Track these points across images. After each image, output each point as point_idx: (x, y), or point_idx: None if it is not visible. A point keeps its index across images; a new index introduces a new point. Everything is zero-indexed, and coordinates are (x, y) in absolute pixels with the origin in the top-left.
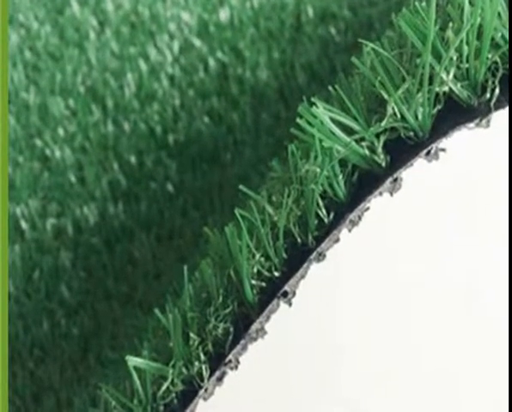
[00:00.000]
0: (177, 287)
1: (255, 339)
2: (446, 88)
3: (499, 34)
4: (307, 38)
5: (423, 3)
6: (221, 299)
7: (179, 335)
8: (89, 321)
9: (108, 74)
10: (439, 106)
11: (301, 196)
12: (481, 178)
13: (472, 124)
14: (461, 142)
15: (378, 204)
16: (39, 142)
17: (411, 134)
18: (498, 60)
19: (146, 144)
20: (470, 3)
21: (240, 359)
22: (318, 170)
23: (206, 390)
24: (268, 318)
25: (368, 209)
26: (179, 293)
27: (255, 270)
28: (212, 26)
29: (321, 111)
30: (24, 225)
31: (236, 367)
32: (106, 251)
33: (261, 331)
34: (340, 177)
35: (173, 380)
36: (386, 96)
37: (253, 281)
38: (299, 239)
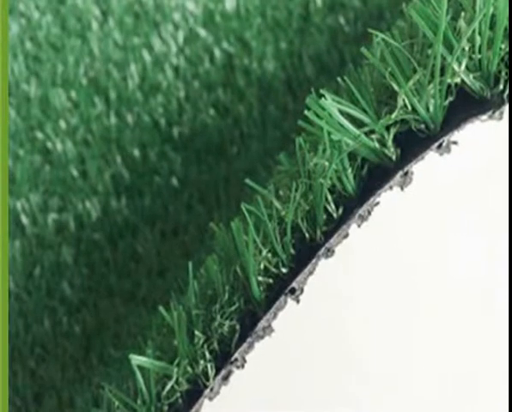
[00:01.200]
0: (182, 284)
1: (262, 337)
2: (458, 80)
3: None
4: (316, 28)
5: None
6: (227, 296)
7: (184, 333)
8: (92, 319)
9: (111, 65)
10: (451, 98)
11: (310, 191)
12: (494, 172)
13: (484, 117)
14: (474, 134)
15: (388, 199)
16: (40, 135)
17: (423, 126)
18: None
19: (150, 137)
20: None
21: (247, 357)
22: (326, 163)
23: (212, 389)
24: (275, 315)
25: (377, 203)
26: (184, 290)
27: (262, 267)
28: (218, 15)
29: (330, 103)
30: (25, 220)
31: (242, 366)
32: (109, 247)
33: (268, 329)
34: (349, 170)
35: (177, 379)
36: (396, 88)
37: (260, 278)
38: (307, 235)
